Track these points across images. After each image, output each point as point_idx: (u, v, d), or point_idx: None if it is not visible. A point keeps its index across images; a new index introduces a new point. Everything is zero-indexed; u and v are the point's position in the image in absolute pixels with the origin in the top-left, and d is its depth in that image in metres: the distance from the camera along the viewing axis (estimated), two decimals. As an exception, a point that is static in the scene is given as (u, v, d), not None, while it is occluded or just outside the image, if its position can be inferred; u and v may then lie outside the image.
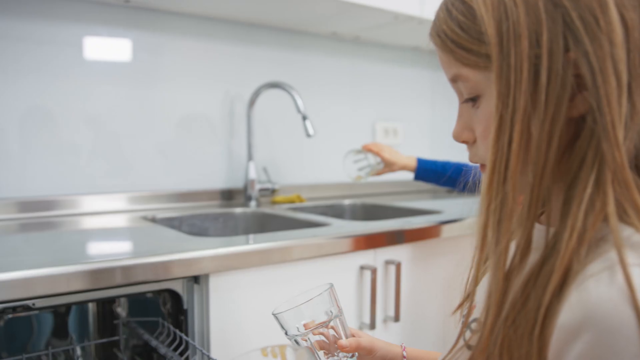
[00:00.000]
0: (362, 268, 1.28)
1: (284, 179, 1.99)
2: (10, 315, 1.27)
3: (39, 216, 1.50)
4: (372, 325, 1.28)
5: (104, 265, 0.95)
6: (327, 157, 2.11)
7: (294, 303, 0.70)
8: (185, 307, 1.09)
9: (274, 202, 1.88)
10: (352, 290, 1.27)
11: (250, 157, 1.81)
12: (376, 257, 1.30)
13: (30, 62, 1.49)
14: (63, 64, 1.54)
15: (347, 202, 1.97)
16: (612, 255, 0.43)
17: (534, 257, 0.48)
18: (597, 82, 0.44)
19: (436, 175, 1.68)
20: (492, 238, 0.50)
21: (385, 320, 1.34)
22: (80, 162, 1.59)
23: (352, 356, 0.74)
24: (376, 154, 1.70)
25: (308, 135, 1.68)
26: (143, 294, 1.16)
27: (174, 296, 1.11)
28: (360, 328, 1.30)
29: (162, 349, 1.02)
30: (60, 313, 1.34)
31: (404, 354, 0.76)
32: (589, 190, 0.45)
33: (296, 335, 0.71)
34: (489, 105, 0.50)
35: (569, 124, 0.48)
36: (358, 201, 1.98)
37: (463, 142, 0.58)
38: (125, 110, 1.66)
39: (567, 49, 0.46)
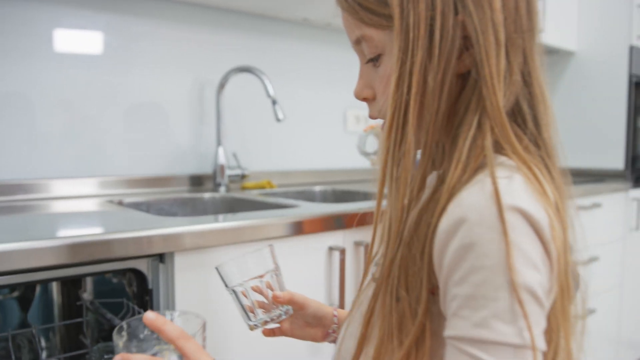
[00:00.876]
0: (331, 249, 1.27)
1: (254, 165, 1.97)
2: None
3: (6, 200, 1.46)
4: (341, 306, 1.28)
5: (66, 241, 0.93)
6: (297, 143, 2.10)
7: (235, 258, 0.75)
8: (150, 287, 1.07)
9: (243, 188, 1.86)
10: (321, 271, 1.27)
11: (219, 143, 1.79)
12: (345, 238, 1.30)
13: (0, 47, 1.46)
14: (32, 49, 1.50)
15: (317, 188, 1.97)
16: (486, 173, 0.51)
17: (426, 195, 0.56)
18: (479, 40, 0.53)
19: None
20: (393, 174, 0.57)
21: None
22: (49, 147, 1.55)
23: (286, 312, 0.79)
24: None
25: (278, 119, 1.67)
26: (108, 273, 1.14)
27: (139, 276, 1.09)
28: (329, 309, 1.29)
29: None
30: (23, 296, 1.31)
31: (335, 313, 0.82)
32: (472, 130, 0.54)
33: (235, 286, 0.76)
34: (390, 61, 0.57)
35: (458, 79, 0.56)
36: (329, 187, 1.98)
37: (364, 99, 0.64)
38: (94, 95, 1.62)
39: (456, 12, 0.54)
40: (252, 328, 0.79)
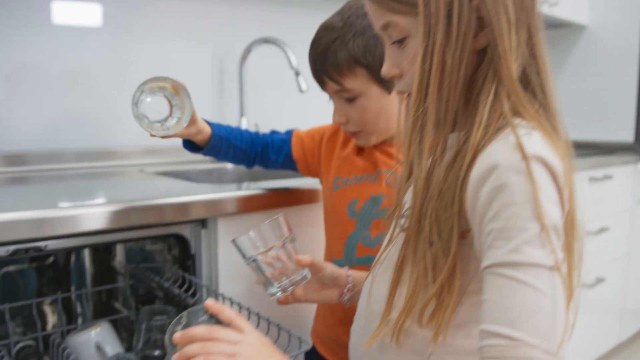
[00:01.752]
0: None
1: (274, 137, 1.99)
2: (11, 268, 1.26)
3: (30, 170, 1.47)
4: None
5: (117, 207, 0.95)
6: (319, 113, 2.11)
7: (251, 230, 0.79)
8: (192, 252, 1.10)
9: (265, 159, 1.88)
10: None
11: (242, 113, 1.81)
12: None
13: (9, 19, 1.44)
14: (45, 20, 1.50)
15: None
16: (507, 131, 0.59)
17: (450, 154, 0.64)
18: (493, 21, 0.61)
19: (230, 144, 1.10)
20: (416, 139, 0.65)
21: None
22: (63, 119, 1.56)
23: (305, 277, 0.83)
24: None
25: (301, 90, 1.69)
26: (152, 238, 1.17)
27: (181, 242, 1.12)
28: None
29: (175, 290, 1.04)
30: (61, 261, 1.33)
31: (348, 273, 0.90)
32: (490, 97, 0.62)
33: (254, 256, 0.80)
34: (415, 42, 0.65)
35: (475, 55, 0.64)
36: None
37: (392, 77, 0.71)
38: (112, 67, 1.62)
39: None
40: (273, 295, 0.83)
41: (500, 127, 0.61)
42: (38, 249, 0.96)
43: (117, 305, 1.38)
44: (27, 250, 0.95)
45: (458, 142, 0.64)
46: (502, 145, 0.58)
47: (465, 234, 0.63)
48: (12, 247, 0.92)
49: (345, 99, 0.99)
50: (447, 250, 0.62)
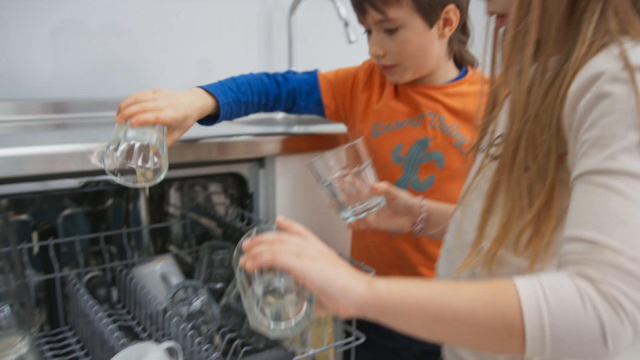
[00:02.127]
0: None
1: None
2: (70, 211, 1.31)
3: (74, 117, 1.49)
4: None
5: (179, 143, 0.97)
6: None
7: (327, 153, 0.79)
8: (250, 190, 1.13)
9: (312, 111, 1.89)
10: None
11: (290, 65, 1.82)
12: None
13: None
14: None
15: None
16: (611, 46, 0.57)
17: (549, 75, 0.61)
18: None
19: (240, 104, 1.04)
20: (516, 59, 0.63)
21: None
22: (110, 68, 1.57)
23: (379, 204, 0.83)
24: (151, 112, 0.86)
25: (350, 41, 1.68)
26: (212, 176, 1.20)
27: (239, 181, 1.15)
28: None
29: (237, 224, 1.07)
30: (118, 205, 1.38)
31: (422, 203, 0.89)
32: (596, 16, 0.59)
33: (329, 180, 0.80)
34: None
35: None
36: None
37: None
38: (154, 21, 1.62)
39: None
40: (345, 219, 0.84)
41: (605, 44, 0.58)
42: (108, 183, 1.00)
43: (172, 248, 1.43)
44: (97, 183, 0.99)
45: (558, 64, 0.61)
46: (604, 57, 0.56)
47: (562, 158, 0.60)
48: (84, 179, 0.97)
49: (386, 29, 0.97)
50: (544, 174, 0.60)
